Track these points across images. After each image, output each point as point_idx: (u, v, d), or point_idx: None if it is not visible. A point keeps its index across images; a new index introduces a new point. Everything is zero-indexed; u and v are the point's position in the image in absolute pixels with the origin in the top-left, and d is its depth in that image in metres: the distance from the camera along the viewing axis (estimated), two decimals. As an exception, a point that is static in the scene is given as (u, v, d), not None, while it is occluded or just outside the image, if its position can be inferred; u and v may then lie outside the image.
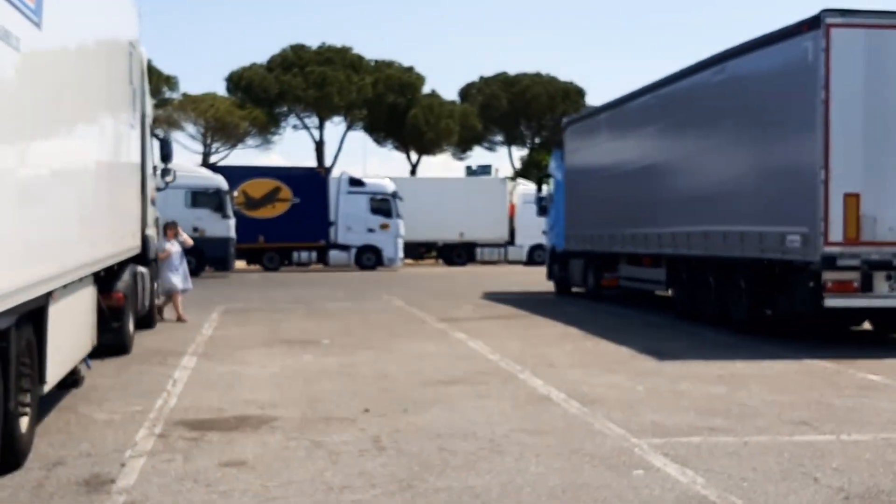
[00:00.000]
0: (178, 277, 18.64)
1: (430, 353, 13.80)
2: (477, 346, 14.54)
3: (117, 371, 12.09)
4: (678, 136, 18.48)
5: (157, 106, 69.51)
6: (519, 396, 10.37)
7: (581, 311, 20.80)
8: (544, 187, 28.76)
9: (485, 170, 65.76)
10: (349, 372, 12.03)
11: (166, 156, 18.77)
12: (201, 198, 37.57)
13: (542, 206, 28.54)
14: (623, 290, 22.71)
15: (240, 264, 41.96)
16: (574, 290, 26.06)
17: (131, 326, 13.66)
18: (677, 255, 18.56)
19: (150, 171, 16.40)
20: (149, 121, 16.62)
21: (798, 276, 14.46)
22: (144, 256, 15.76)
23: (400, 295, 25.80)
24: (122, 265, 13.34)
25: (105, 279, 12.39)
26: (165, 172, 18.22)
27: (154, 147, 18.49)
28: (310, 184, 43.64)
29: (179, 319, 18.19)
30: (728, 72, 16.40)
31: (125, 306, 13.09)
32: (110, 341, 13.11)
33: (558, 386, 10.95)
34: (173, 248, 18.68)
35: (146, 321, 16.64)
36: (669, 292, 19.83)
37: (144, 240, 15.84)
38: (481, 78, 74.36)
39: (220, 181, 37.87)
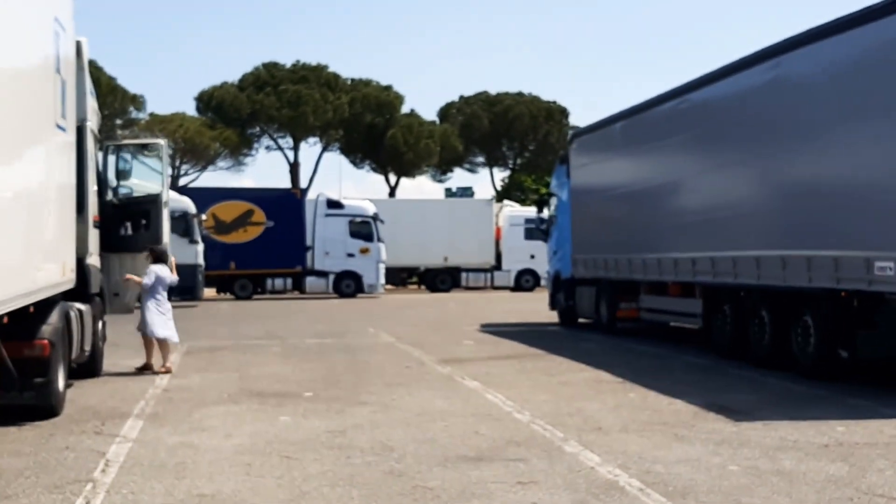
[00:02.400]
0: (161, 319, 14.99)
1: (440, 410, 10.96)
2: (497, 399, 11.72)
3: (36, 444, 9.19)
4: (716, 145, 15.78)
5: (123, 127, 66.74)
6: (576, 484, 7.56)
7: (601, 348, 18.01)
8: (545, 209, 25.98)
9: (465, 192, 63.20)
10: (340, 443, 9.18)
11: (120, 170, 15.93)
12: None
13: (544, 230, 25.78)
14: (643, 323, 19.97)
15: (209, 292, 39.05)
16: (581, 321, 23.30)
17: (61, 381, 10.75)
18: (718, 284, 15.84)
19: (91, 187, 13.52)
20: (92, 127, 13.77)
21: (890, 313, 11.74)
22: (84, 291, 12.93)
23: (387, 328, 22.97)
24: (47, 304, 10.48)
25: (20, 323, 9.55)
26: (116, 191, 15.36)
27: (108, 161, 15.70)
28: (285, 206, 40.80)
29: (146, 368, 15.06)
30: (784, 66, 13.72)
31: (51, 356, 10.22)
32: (32, 401, 10.30)
33: (623, 464, 8.16)
34: (147, 278, 14.91)
35: (89, 368, 13.74)
36: (696, 325, 17.06)
37: (84, 271, 13.01)
38: (462, 97, 72.08)
39: (188, 204, 35.02)
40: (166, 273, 15.06)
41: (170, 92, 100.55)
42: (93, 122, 13.98)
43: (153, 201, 15.69)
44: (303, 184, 65.24)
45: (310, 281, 40.62)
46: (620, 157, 20.03)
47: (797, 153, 13.33)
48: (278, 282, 40.42)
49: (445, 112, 71.37)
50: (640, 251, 18.81)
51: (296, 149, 67.42)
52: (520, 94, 71.02)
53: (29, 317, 10.14)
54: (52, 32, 10.07)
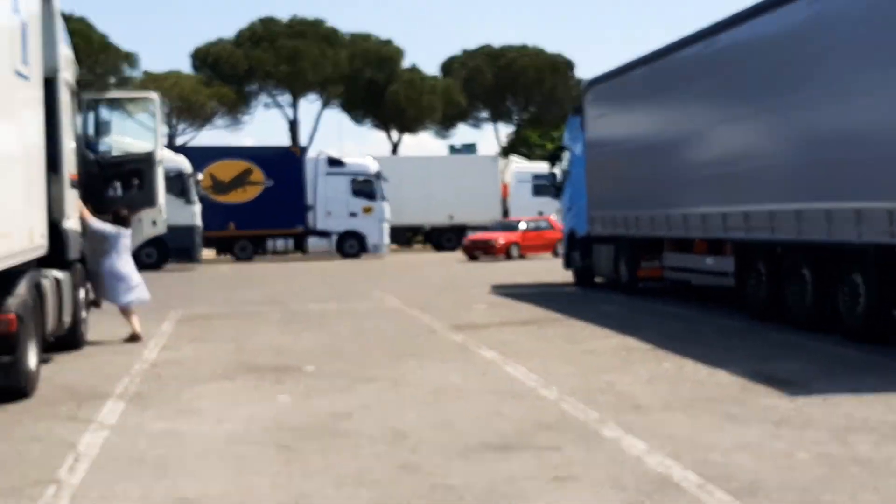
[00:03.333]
0: (120, 285, 13.85)
1: (456, 386, 9.82)
2: (518, 372, 10.57)
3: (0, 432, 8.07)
4: (749, 90, 14.50)
5: (116, 85, 65.14)
6: (623, 479, 6.41)
7: (623, 310, 16.85)
8: (557, 163, 24.72)
9: (469, 148, 61.94)
10: (346, 429, 8.03)
11: (102, 126, 14.74)
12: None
13: (557, 185, 24.53)
14: (666, 282, 18.79)
15: (208, 254, 37.96)
16: (598, 280, 22.15)
17: (32, 358, 9.61)
18: (752, 240, 14.64)
19: (68, 144, 12.30)
20: (66, 78, 12.52)
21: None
22: (60, 257, 11.78)
23: (393, 290, 21.82)
24: (14, 274, 9.34)
25: None
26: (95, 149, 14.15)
27: (88, 116, 14.50)
28: (284, 165, 39.60)
29: (133, 338, 13.93)
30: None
31: (18, 331, 9.07)
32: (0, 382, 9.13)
33: (674, 453, 7.01)
34: (105, 229, 13.48)
35: (69, 341, 12.60)
36: (728, 284, 15.86)
37: (61, 235, 11.85)
38: (464, 51, 70.40)
39: (183, 163, 33.83)
40: (123, 233, 13.69)
41: (164, 49, 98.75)
42: (68, 74, 12.75)
43: (146, 160, 14.52)
44: (303, 142, 63.85)
45: (312, 241, 39.52)
46: (641, 106, 18.75)
47: (846, 95, 12.04)
48: (279, 242, 39.31)
49: (448, 66, 69.75)
50: (663, 206, 17.60)
51: (295, 106, 65.99)
52: (524, 47, 69.36)
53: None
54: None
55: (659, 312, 16.34)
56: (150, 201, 14.13)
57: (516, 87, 68.10)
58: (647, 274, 19.03)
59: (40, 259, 11.47)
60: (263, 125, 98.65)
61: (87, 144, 14.17)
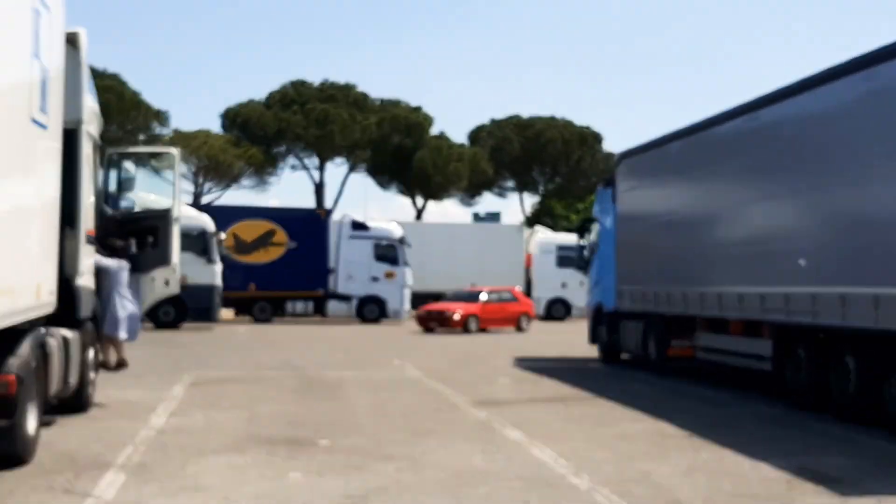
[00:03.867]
0: (122, 318, 13.42)
1: (479, 470, 9.17)
2: (546, 455, 9.91)
3: (-13, 505, 7.49)
4: (793, 167, 13.95)
5: (146, 142, 65.30)
6: (668, 589, 5.76)
7: (654, 391, 16.17)
8: (585, 235, 24.18)
9: (494, 217, 61.56)
10: (362, 515, 7.42)
11: (124, 181, 14.32)
12: (183, 240, 32.73)
13: (584, 258, 23.97)
14: (696, 363, 18.11)
15: (227, 314, 37.45)
16: (623, 356, 21.48)
17: (31, 424, 9.05)
18: (792, 323, 13.99)
19: (87, 199, 11.86)
20: (89, 130, 12.14)
21: None
22: (72, 315, 11.29)
23: (413, 359, 21.20)
24: (20, 331, 8.84)
25: None
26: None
27: (112, 171, 14.12)
28: (308, 227, 39.20)
29: (120, 366, 13.55)
30: (883, 76, 11.91)
31: (18, 394, 8.52)
32: (-6, 448, 8.57)
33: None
34: (106, 263, 13.15)
35: (75, 403, 12.05)
36: (765, 368, 15.17)
37: (73, 292, 11.37)
38: (492, 120, 70.31)
39: (206, 221, 33.47)
40: (122, 266, 13.36)
41: (195, 108, 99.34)
42: (92, 126, 12.38)
43: (162, 216, 14.05)
44: (328, 204, 63.71)
45: (332, 305, 38.97)
46: (676, 180, 18.22)
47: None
48: (299, 305, 38.78)
49: (475, 135, 69.68)
50: (696, 284, 16.99)
51: (321, 169, 65.87)
52: (552, 119, 69.26)
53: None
54: (30, 9, 8.43)
55: (691, 395, 15.65)
56: (164, 259, 13.63)
57: (543, 158, 67.87)
58: (678, 353, 18.34)
59: (49, 316, 11.04)
60: (290, 186, 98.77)
61: (106, 199, 13.75)
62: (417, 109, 67.15)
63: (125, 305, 13.30)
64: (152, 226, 13.70)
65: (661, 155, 18.85)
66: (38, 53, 8.71)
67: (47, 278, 9.51)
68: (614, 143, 79.16)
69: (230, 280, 34.95)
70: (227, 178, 62.29)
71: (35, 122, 8.57)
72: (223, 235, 34.83)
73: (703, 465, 9.65)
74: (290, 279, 38.30)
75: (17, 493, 7.88)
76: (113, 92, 56.19)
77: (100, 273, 13.00)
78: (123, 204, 14.00)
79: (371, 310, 39.12)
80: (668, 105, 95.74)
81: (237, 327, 34.77)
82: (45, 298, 9.33)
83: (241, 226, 38.50)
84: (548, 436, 11.13)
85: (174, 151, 14.29)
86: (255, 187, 65.34)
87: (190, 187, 61.79)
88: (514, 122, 69.11)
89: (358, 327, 36.09)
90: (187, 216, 34.44)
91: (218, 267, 33.44)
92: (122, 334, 13.40)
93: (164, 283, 13.83)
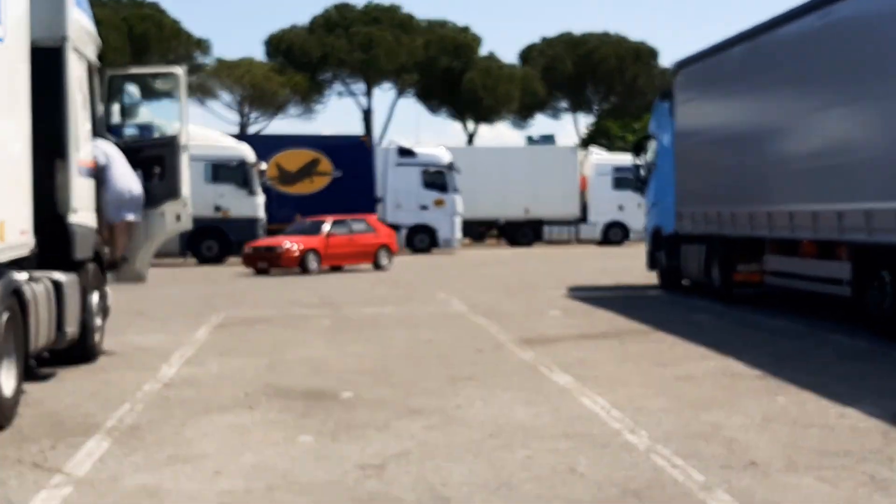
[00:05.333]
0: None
1: (521, 426, 7.89)
2: (597, 406, 8.60)
3: (-63, 487, 6.37)
4: (875, 67, 12.31)
5: (188, 73, 63.79)
6: None
7: (719, 322, 14.75)
8: (642, 154, 22.61)
9: (547, 139, 59.75)
10: (372, 490, 6.18)
11: (128, 107, 13.06)
12: (223, 171, 32.09)
13: (641, 178, 22.43)
14: (765, 288, 16.61)
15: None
16: (684, 282, 20.03)
17: (4, 384, 7.91)
18: (875, 243, 12.46)
19: (79, 127, 10.63)
20: (78, 49, 10.87)
21: None
22: (65, 256, 10.17)
23: (460, 291, 19.95)
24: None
25: None
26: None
27: (112, 95, 12.85)
28: (353, 155, 37.91)
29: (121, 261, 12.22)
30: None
31: (-17, 353, 7.35)
32: (-42, 414, 7.45)
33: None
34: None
35: (78, 353, 10.94)
36: (844, 294, 13.67)
37: (66, 232, 10.22)
38: (543, 39, 68.25)
39: (246, 152, 32.37)
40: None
41: (237, 36, 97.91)
42: (82, 45, 11.09)
43: (168, 144, 12.75)
44: (377, 132, 62.40)
45: (380, 235, 37.78)
46: (739, 89, 16.57)
47: None
48: (346, 236, 37.63)
49: (526, 54, 67.67)
50: (764, 202, 15.45)
51: (369, 94, 64.43)
52: (605, 35, 66.99)
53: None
54: None
55: (762, 326, 14.20)
56: (172, 192, 12.37)
57: (597, 77, 65.79)
58: (745, 278, 16.85)
59: (42, 259, 9.91)
60: (337, 114, 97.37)
61: (109, 128, 12.50)
62: (465, 30, 65.32)
63: (127, 183, 11.88)
64: (158, 155, 12.44)
65: (722, 61, 17.21)
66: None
67: (16, 216, 8.29)
68: (671, 59, 76.49)
69: (274, 211, 33.89)
70: (273, 107, 61.19)
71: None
72: (264, 166, 33.72)
73: (780, 414, 8.27)
74: (336, 209, 37.01)
75: (-24, 469, 6.75)
76: (152, 21, 55.14)
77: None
78: (128, 132, 12.73)
79: (421, 239, 37.96)
80: (730, 13, 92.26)
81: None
82: (13, 240, 8.13)
83: (285, 155, 37.38)
84: (600, 380, 9.83)
85: (179, 71, 12.95)
86: (301, 115, 64.26)
87: (235, 117, 60.77)
88: (566, 40, 66.98)
89: (407, 258, 34.91)
90: (227, 146, 33.43)
91: (260, 198, 32.42)
92: (130, 215, 11.99)
93: (174, 217, 12.60)
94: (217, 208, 31.31)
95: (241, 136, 41.14)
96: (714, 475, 6.43)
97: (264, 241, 28.29)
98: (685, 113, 18.97)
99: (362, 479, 6.44)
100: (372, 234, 28.59)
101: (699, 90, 18.44)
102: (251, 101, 59.71)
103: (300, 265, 26.47)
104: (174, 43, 56.15)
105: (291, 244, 26.78)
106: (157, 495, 6.14)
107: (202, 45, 58.49)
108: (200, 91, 58.17)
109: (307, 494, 6.14)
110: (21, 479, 6.49)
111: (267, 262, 26.75)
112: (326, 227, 27.71)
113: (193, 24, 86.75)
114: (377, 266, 28.10)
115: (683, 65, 19.15)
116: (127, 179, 11.91)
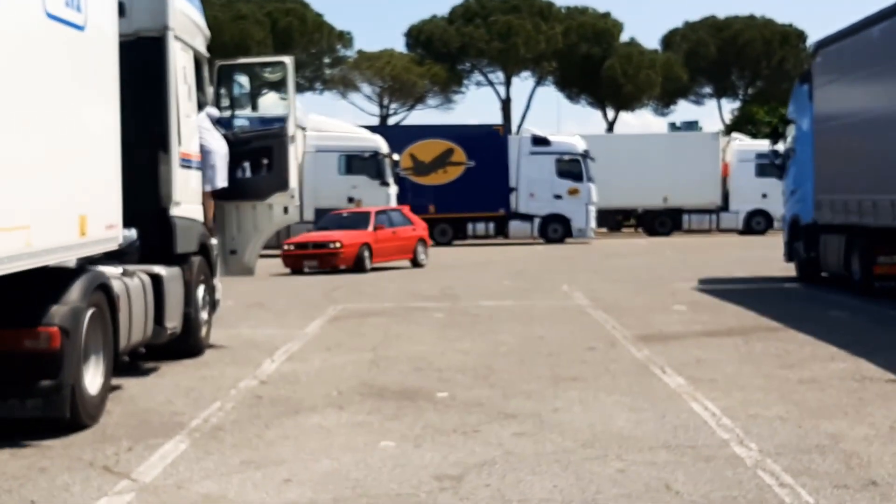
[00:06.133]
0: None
1: (619, 435, 7.33)
2: (707, 412, 7.97)
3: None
4: None
5: (330, 65, 64.94)
6: None
7: (856, 319, 13.81)
8: (781, 139, 21.53)
9: (691, 126, 58.26)
10: (445, 506, 5.77)
11: (237, 98, 12.95)
12: (356, 162, 32.18)
13: (779, 164, 21.36)
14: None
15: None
16: (824, 275, 18.92)
17: (91, 382, 7.78)
18: None
19: (181, 119, 10.50)
20: (184, 39, 10.77)
21: None
22: (166, 250, 10.09)
23: (585, 284, 19.36)
24: (67, 275, 7.59)
25: (20, 304, 6.79)
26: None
27: (221, 86, 12.76)
28: (487, 144, 37.69)
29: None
30: None
31: (63, 349, 7.22)
32: (38, 412, 7.37)
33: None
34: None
35: (183, 347, 10.85)
36: None
37: (168, 224, 10.13)
38: (686, 23, 66.72)
39: (379, 143, 32.35)
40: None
41: (379, 28, 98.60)
42: (187, 35, 10.96)
43: (277, 135, 12.56)
44: (515, 121, 61.88)
45: (513, 225, 37.44)
46: (884, 69, 15.47)
47: None
48: (479, 226, 37.46)
49: (668, 39, 66.14)
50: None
51: (507, 84, 64.01)
52: (751, 17, 64.91)
53: (35, 293, 7.24)
54: None
55: (904, 324, 13.24)
56: (281, 184, 12.16)
57: (742, 61, 63.81)
58: (887, 271, 15.78)
59: (145, 253, 9.83)
60: (476, 104, 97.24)
61: (218, 120, 12.38)
62: (606, 16, 64.30)
63: (217, 148, 11.67)
64: (266, 146, 12.26)
65: (862, 41, 16.14)
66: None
67: (104, 210, 8.15)
68: (821, 41, 73.54)
69: (409, 202, 33.78)
70: (412, 98, 61.45)
71: (53, 17, 7.07)
72: (397, 157, 33.69)
73: (917, 428, 7.49)
74: (470, 199, 36.95)
75: (49, 470, 6.59)
76: (295, 15, 55.97)
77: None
78: (237, 123, 12.60)
79: (554, 229, 37.36)
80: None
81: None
82: (98, 234, 7.98)
83: (419, 146, 37.37)
84: (716, 383, 9.17)
85: (287, 60, 12.72)
86: (440, 106, 64.31)
87: (375, 109, 61.23)
88: (710, 24, 65.22)
89: (539, 248, 34.37)
90: (361, 137, 33.51)
91: (392, 189, 32.38)
92: (220, 182, 11.76)
93: (282, 210, 12.43)
94: (350, 199, 31.36)
95: (376, 127, 41.28)
96: (826, 497, 5.78)
97: (308, 237, 24.68)
98: (824, 96, 17.90)
99: (436, 492, 6.02)
100: (410, 228, 25.73)
101: (839, 72, 17.36)
102: (391, 92, 60.09)
103: (355, 264, 23.47)
104: (317, 36, 56.88)
105: (343, 241, 23.54)
106: (220, 505, 5.85)
107: (344, 38, 59.11)
108: (342, 84, 58.83)
109: (378, 499, 5.76)
110: (86, 483, 6.29)
111: (317, 262, 23.44)
112: (372, 220, 24.70)
113: (336, 18, 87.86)
114: (415, 263, 25.26)
115: (822, 45, 18.08)
116: (212, 149, 11.62)
